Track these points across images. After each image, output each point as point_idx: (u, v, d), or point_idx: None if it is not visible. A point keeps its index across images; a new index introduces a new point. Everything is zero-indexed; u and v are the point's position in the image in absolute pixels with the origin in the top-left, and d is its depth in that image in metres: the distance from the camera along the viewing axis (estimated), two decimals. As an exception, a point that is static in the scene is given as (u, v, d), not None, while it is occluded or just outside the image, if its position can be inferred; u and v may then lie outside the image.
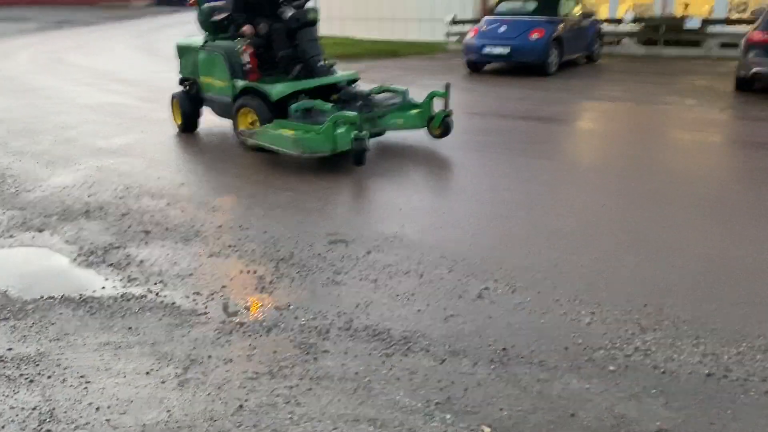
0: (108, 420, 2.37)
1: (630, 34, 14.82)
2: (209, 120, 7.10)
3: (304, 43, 6.21)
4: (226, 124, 7.03)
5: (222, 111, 6.58)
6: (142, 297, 3.34)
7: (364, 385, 2.58)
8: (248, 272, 3.63)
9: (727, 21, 14.00)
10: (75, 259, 3.84)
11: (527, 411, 2.40)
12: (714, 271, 3.53)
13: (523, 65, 11.70)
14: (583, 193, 5.01)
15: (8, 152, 6.34)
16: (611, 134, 7.22)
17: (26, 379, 2.63)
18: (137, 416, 2.39)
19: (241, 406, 2.45)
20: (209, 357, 2.79)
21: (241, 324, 3.06)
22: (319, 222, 4.36)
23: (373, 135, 5.43)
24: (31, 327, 3.05)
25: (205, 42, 6.60)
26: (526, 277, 3.49)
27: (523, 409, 2.41)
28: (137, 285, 3.48)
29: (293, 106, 5.69)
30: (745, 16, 14.82)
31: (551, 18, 11.59)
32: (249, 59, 6.00)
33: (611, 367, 2.66)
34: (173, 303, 3.27)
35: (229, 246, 3.99)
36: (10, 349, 2.86)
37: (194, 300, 3.30)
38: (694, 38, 14.07)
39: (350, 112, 5.38)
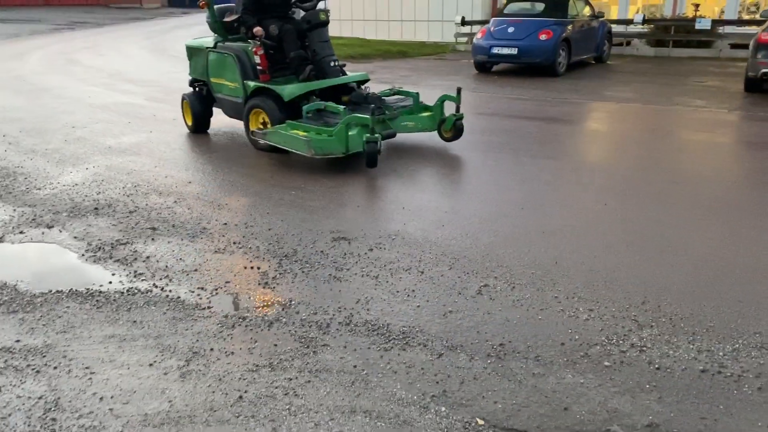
0: (111, 409, 2.43)
1: (640, 35, 14.79)
2: (217, 120, 7.17)
3: (315, 44, 6.26)
4: (234, 124, 7.13)
5: (233, 111, 6.64)
6: (147, 291, 3.41)
7: (361, 378, 2.62)
8: (252, 268, 3.69)
9: (738, 22, 13.94)
10: (83, 255, 3.91)
11: (521, 404, 2.44)
12: (713, 269, 3.55)
13: (531, 66, 11.73)
14: (586, 192, 5.03)
15: (20, 151, 6.44)
16: (617, 135, 7.23)
17: (33, 369, 2.70)
18: (139, 406, 2.45)
19: (240, 397, 2.50)
20: (211, 350, 2.84)
21: (244, 318, 3.11)
22: (323, 220, 4.41)
23: (384, 137, 5.47)
24: (38, 319, 3.12)
25: (216, 43, 6.65)
26: (525, 274, 3.53)
27: (517, 403, 2.45)
28: (143, 280, 3.55)
29: (305, 108, 5.74)
30: (757, 16, 14.75)
31: (560, 19, 11.60)
32: (260, 60, 6.05)
33: (606, 363, 2.69)
34: (178, 297, 3.34)
35: (234, 243, 4.05)
36: (18, 341, 2.93)
37: (198, 295, 3.37)
38: (705, 39, 14.03)
39: (363, 115, 5.42)
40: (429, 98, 6.60)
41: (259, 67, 6.10)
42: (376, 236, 4.11)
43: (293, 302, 3.27)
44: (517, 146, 6.50)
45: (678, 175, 5.38)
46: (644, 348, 2.79)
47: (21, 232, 4.28)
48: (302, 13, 6.53)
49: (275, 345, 2.88)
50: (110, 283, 3.52)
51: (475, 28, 14.46)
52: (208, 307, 3.23)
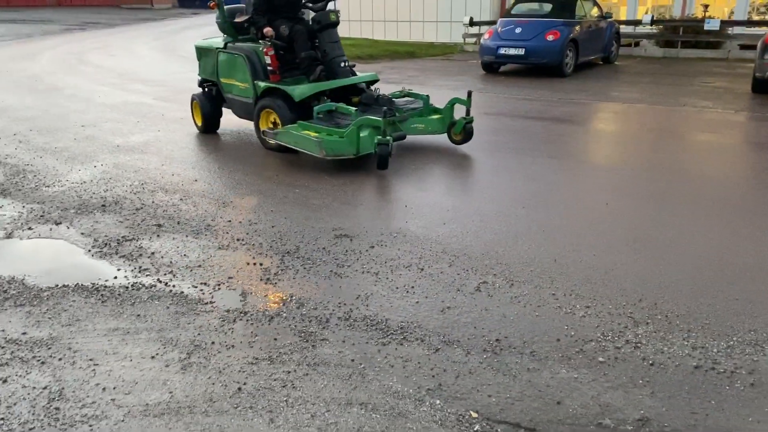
0: (113, 399, 2.49)
1: (649, 36, 14.76)
2: (224, 120, 7.24)
3: (325, 45, 6.30)
4: (241, 124, 7.20)
5: (243, 112, 6.68)
6: (151, 286, 3.47)
7: (359, 371, 2.67)
8: (254, 264, 3.74)
9: (748, 22, 13.89)
10: (89, 251, 3.98)
11: (515, 398, 2.48)
12: (712, 268, 3.57)
13: (538, 67, 11.75)
14: (588, 191, 5.05)
15: (30, 149, 6.54)
16: (622, 135, 7.23)
17: (38, 360, 2.77)
18: (141, 396, 2.51)
19: (239, 389, 2.55)
20: (212, 343, 2.90)
21: (245, 313, 3.17)
22: (326, 218, 4.46)
23: (394, 139, 5.49)
24: (45, 313, 3.19)
25: (226, 44, 6.69)
26: (524, 271, 3.56)
27: (511, 396, 2.49)
28: (147, 275, 3.61)
29: (317, 108, 5.79)
30: (767, 17, 14.69)
31: (567, 20, 11.61)
32: (271, 60, 6.11)
33: (601, 359, 2.73)
34: (181, 292, 3.40)
35: (238, 239, 4.11)
36: (24, 333, 3.00)
37: (201, 290, 3.42)
38: (714, 40, 13.99)
39: (375, 117, 5.45)
40: (436, 98, 6.64)
41: (269, 68, 6.15)
42: (377, 234, 4.16)
43: (294, 298, 3.32)
44: (522, 146, 6.53)
45: (681, 175, 5.39)
46: (639, 344, 2.82)
47: (29, 228, 4.36)
48: (312, 13, 6.58)
49: (275, 339, 2.93)
50: (115, 278, 3.59)
51: (484, 29, 14.49)
52: (211, 302, 3.29)
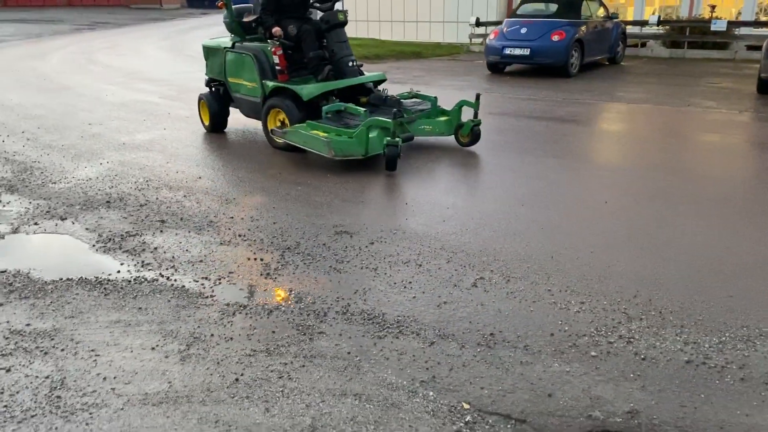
0: (113, 389, 2.55)
1: (655, 37, 14.74)
2: (230, 119, 7.30)
3: (333, 44, 6.34)
4: (246, 123, 7.26)
5: (251, 111, 6.72)
6: (153, 280, 3.53)
7: (354, 363, 2.72)
8: (255, 260, 3.79)
9: (755, 23, 13.85)
10: (93, 246, 4.05)
11: (507, 390, 2.52)
12: (709, 266, 3.59)
13: (544, 67, 11.77)
14: (588, 190, 5.08)
15: (38, 146, 6.63)
16: (625, 134, 7.25)
17: (41, 351, 2.83)
18: (140, 386, 2.57)
19: (237, 380, 2.60)
20: (211, 335, 2.95)
21: (244, 306, 3.22)
22: (327, 214, 4.51)
23: (403, 141, 5.52)
24: (49, 305, 3.25)
25: (234, 43, 6.73)
26: (521, 268, 3.60)
27: (503, 389, 2.53)
28: (150, 269, 3.67)
29: (325, 108, 5.83)
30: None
31: (573, 20, 11.61)
32: (279, 60, 6.15)
33: (593, 353, 2.76)
34: (182, 286, 3.45)
35: (239, 235, 4.16)
36: (28, 325, 3.06)
37: (202, 284, 3.48)
38: (721, 41, 13.96)
39: (384, 118, 5.48)
40: (441, 98, 6.66)
41: (277, 67, 6.19)
42: (377, 230, 4.20)
43: (293, 292, 3.37)
44: (525, 146, 6.56)
45: (682, 174, 5.41)
46: (632, 339, 2.86)
47: (35, 224, 4.43)
48: (319, 13, 6.62)
49: (273, 332, 2.98)
50: (118, 272, 3.65)
51: (490, 29, 14.50)
52: (211, 296, 3.35)
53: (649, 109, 8.49)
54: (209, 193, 5.04)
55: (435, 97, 6.50)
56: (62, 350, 2.83)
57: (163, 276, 3.58)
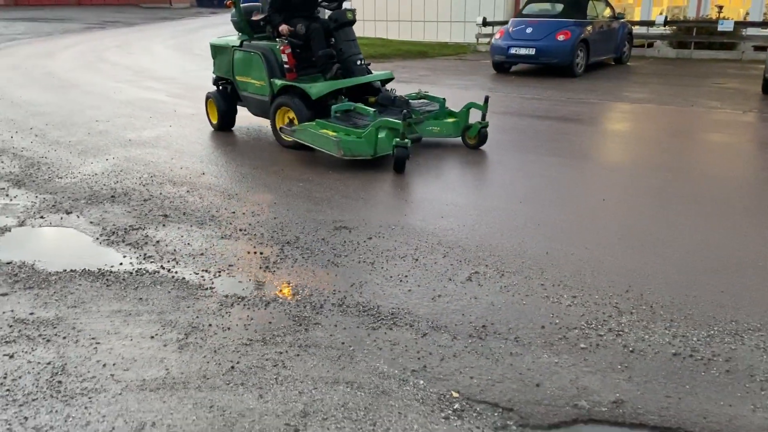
0: (112, 375, 2.62)
1: (662, 37, 14.72)
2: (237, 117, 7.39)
3: (341, 43, 6.39)
4: (252, 120, 7.33)
5: (258, 109, 6.76)
6: (155, 272, 3.60)
7: (348, 353, 2.78)
8: (255, 253, 3.86)
9: (762, 24, 13.81)
10: (97, 239, 4.13)
11: (495, 380, 2.57)
12: (703, 262, 3.63)
13: (549, 66, 11.79)
14: (587, 188, 5.12)
15: (45, 142, 6.73)
16: (627, 134, 7.28)
17: (44, 338, 2.91)
18: (138, 372, 2.64)
19: (232, 367, 2.67)
20: (209, 325, 3.02)
21: (242, 298, 3.29)
22: (327, 210, 4.58)
23: (411, 142, 5.57)
24: (52, 295, 3.33)
25: (242, 42, 6.77)
26: (516, 263, 3.65)
27: (492, 378, 2.58)
28: (151, 262, 3.75)
29: (335, 107, 5.88)
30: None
31: (578, 20, 11.63)
32: (287, 58, 6.21)
33: (582, 345, 2.81)
34: (183, 278, 3.53)
35: (240, 230, 4.24)
36: (32, 313, 3.14)
37: (202, 276, 3.55)
38: (728, 41, 13.93)
39: (395, 120, 5.51)
40: (445, 97, 6.71)
41: (285, 66, 6.24)
42: (376, 226, 4.26)
43: (291, 285, 3.44)
44: (525, 144, 6.60)
45: (682, 173, 5.44)
46: (621, 332, 2.90)
47: (41, 217, 4.52)
48: (327, 12, 6.68)
49: (270, 322, 3.05)
50: (121, 264, 3.73)
51: (497, 29, 14.52)
52: (211, 288, 3.42)
53: (653, 109, 8.51)
54: (212, 189, 5.12)
55: (443, 99, 6.55)
56: (64, 338, 2.91)
57: (164, 268, 3.66)
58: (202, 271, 3.63)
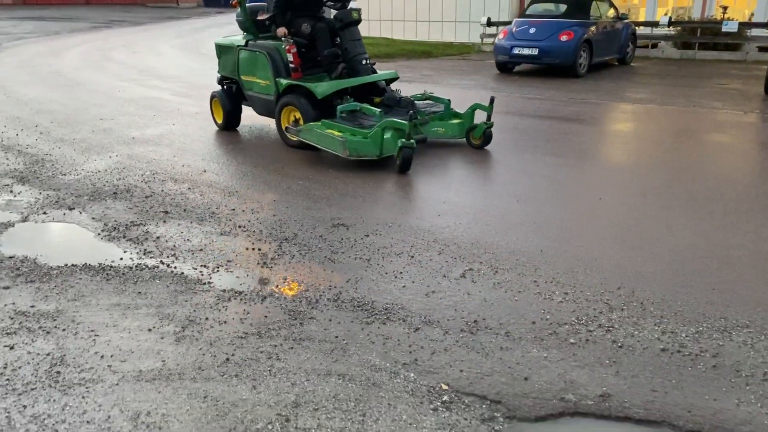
0: (109, 366, 2.68)
1: (666, 38, 14.72)
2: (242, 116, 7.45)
3: (347, 43, 6.42)
4: (255, 119, 7.39)
5: (264, 109, 6.78)
6: (154, 267, 3.66)
7: (341, 346, 2.83)
8: (253, 249, 3.92)
9: (767, 25, 13.78)
10: (99, 234, 4.19)
11: (485, 373, 2.62)
12: (695, 261, 3.66)
13: (552, 67, 11.81)
14: (584, 187, 5.16)
15: (50, 140, 6.81)
16: (627, 134, 7.30)
17: (44, 330, 2.97)
18: (135, 364, 2.70)
19: (227, 359, 2.73)
20: (206, 319, 3.08)
21: (239, 293, 3.35)
22: (326, 208, 4.63)
23: (417, 142, 5.59)
24: (53, 289, 3.40)
25: (247, 41, 6.80)
26: (510, 260, 3.69)
27: (481, 372, 2.63)
28: (151, 257, 3.81)
29: (340, 108, 5.92)
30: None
31: (582, 20, 11.65)
32: (293, 58, 6.24)
33: (572, 340, 2.85)
34: (181, 273, 3.59)
35: (239, 226, 4.29)
36: (32, 306, 3.20)
37: (200, 271, 3.61)
38: (732, 42, 13.91)
39: (401, 120, 5.53)
40: (448, 96, 6.75)
41: (291, 65, 6.27)
42: (374, 223, 4.31)
43: (288, 280, 3.49)
44: (526, 144, 6.64)
45: (681, 172, 5.46)
46: (611, 328, 2.94)
47: (44, 213, 4.59)
48: (332, 12, 6.72)
49: (265, 316, 3.10)
50: (121, 259, 3.79)
51: (501, 29, 14.55)
52: (208, 283, 3.47)
53: (654, 110, 8.53)
54: (213, 186, 5.18)
55: (448, 100, 6.58)
56: (63, 330, 2.97)
57: (163, 263, 3.72)
58: (201, 266, 3.68)
